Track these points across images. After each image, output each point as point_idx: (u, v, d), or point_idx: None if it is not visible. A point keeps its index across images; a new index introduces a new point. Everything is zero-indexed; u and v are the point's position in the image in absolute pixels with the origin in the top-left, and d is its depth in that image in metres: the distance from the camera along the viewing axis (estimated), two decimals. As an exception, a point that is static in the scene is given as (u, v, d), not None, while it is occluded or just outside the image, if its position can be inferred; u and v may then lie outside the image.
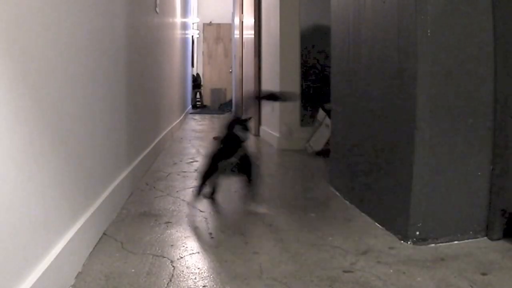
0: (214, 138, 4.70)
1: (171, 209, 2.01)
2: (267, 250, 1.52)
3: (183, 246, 1.55)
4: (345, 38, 2.21)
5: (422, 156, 1.56)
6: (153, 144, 3.24)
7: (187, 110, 8.55)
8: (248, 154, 1.97)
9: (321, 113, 3.61)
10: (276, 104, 4.09)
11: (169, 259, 1.43)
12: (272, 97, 2.65)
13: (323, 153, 3.48)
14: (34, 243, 1.04)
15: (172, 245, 1.56)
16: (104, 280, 1.27)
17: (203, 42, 11.67)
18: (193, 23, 10.21)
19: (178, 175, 2.81)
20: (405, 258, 1.45)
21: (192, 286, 1.24)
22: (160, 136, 3.74)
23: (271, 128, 4.39)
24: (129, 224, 1.78)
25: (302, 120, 4.01)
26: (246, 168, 1.95)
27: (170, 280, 1.27)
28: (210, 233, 1.69)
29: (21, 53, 0.99)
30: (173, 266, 1.37)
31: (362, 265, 1.39)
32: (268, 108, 4.51)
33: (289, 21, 3.94)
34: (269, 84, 4.46)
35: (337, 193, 2.29)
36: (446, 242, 1.58)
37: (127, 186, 2.17)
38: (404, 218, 1.60)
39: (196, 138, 4.93)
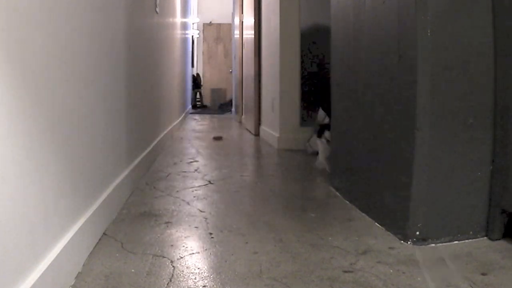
0: (214, 138, 4.73)
1: (171, 209, 2.01)
2: (267, 250, 1.52)
3: (183, 246, 1.55)
4: (345, 38, 2.21)
5: (422, 156, 1.56)
6: (153, 144, 3.24)
7: (187, 110, 8.55)
8: None
9: (321, 113, 3.61)
10: (276, 104, 4.09)
11: (169, 259, 1.43)
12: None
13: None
14: (34, 243, 1.04)
15: (172, 245, 1.56)
16: (104, 280, 1.27)
17: (203, 42, 11.68)
18: (193, 23, 10.21)
19: (178, 175, 2.81)
20: (405, 258, 1.45)
21: (192, 286, 1.24)
22: (160, 136, 3.74)
23: (271, 128, 4.39)
24: (129, 224, 1.78)
25: (302, 120, 4.01)
26: None
27: (170, 280, 1.27)
28: (210, 233, 1.69)
29: (20, 53, 0.99)
30: (173, 266, 1.37)
31: (362, 265, 1.39)
32: (268, 108, 4.51)
33: (289, 21, 3.94)
34: (269, 84, 4.47)
35: (337, 193, 2.29)
36: (446, 242, 1.58)
37: (127, 186, 2.17)
38: (404, 218, 1.60)
39: (196, 138, 4.93)
